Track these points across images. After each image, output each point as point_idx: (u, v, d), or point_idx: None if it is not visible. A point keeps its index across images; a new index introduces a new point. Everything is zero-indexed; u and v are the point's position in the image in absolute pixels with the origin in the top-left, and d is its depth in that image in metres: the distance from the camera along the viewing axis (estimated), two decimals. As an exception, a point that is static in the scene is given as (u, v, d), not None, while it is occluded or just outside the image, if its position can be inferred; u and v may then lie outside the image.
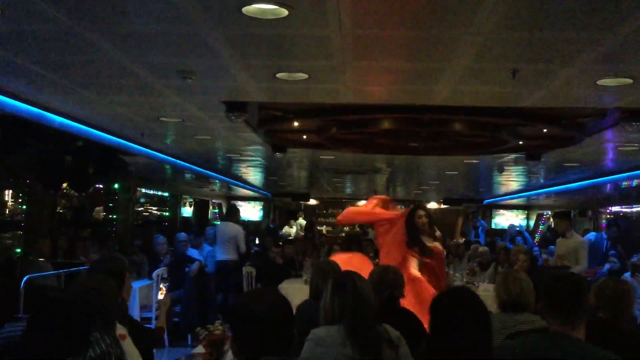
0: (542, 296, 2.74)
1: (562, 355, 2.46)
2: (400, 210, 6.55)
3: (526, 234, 11.53)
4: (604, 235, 9.94)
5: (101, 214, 11.39)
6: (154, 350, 4.29)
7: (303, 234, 15.88)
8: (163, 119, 6.30)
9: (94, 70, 4.45)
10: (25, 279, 6.07)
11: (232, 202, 17.02)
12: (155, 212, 14.44)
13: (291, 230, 19.39)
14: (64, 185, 8.10)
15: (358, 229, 17.84)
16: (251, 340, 1.99)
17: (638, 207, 12.50)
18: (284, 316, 2.03)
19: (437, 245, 5.90)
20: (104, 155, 7.54)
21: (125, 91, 5.15)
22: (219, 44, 3.71)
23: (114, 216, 11.49)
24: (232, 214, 10.67)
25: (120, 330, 3.26)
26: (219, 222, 17.87)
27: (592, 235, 10.20)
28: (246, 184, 15.43)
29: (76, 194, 10.14)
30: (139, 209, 13.34)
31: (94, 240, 9.57)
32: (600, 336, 2.72)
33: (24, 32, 3.63)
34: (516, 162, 9.24)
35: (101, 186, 10.90)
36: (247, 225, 17.26)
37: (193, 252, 9.49)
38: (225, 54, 3.92)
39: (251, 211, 20.45)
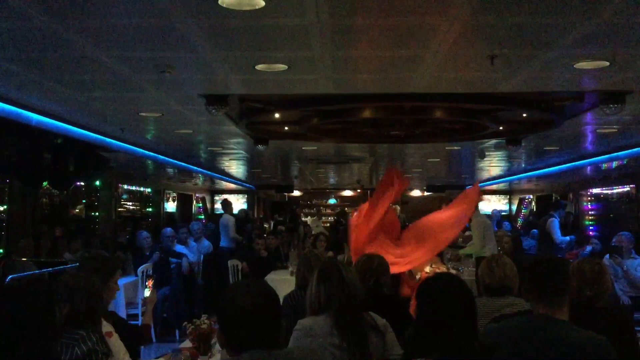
0: (525, 279, 2.77)
1: (546, 337, 2.49)
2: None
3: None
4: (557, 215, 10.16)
5: (76, 210, 11.30)
6: (142, 347, 4.30)
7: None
8: (142, 114, 6.25)
9: (71, 66, 4.40)
10: (8, 279, 6.01)
11: (225, 197, 17.13)
12: (138, 208, 14.31)
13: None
14: (44, 183, 8.01)
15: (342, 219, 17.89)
16: (238, 333, 1.98)
17: (618, 188, 12.65)
18: (270, 308, 2.02)
19: None
20: (84, 152, 7.47)
21: (103, 87, 5.09)
22: (196, 37, 3.68)
23: (96, 213, 11.38)
24: (226, 207, 12.84)
25: (107, 327, 3.25)
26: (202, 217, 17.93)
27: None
28: (229, 177, 15.38)
29: (57, 192, 10.04)
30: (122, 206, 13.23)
31: (80, 237, 9.50)
32: (583, 316, 2.77)
33: (-3, 30, 3.58)
34: (497, 148, 9.30)
35: (82, 183, 10.79)
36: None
37: (180, 248, 9.48)
38: (203, 47, 3.90)
39: (235, 204, 20.36)
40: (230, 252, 10.84)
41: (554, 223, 9.90)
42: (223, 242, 11.82)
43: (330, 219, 21.30)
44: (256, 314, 1.97)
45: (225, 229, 11.78)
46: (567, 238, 9.95)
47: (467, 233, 9.53)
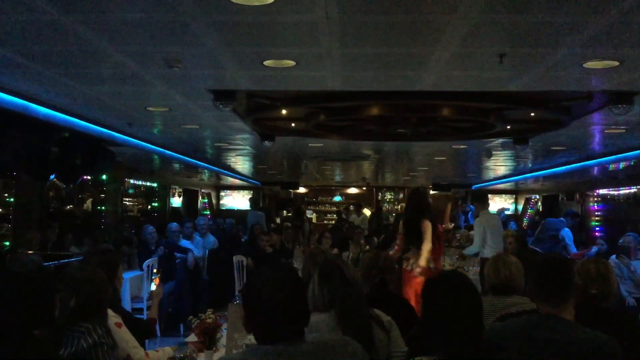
0: (530, 279, 2.77)
1: (551, 336, 2.49)
2: None
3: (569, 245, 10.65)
4: (563, 220, 10.08)
5: (78, 205, 11.34)
6: (147, 341, 4.31)
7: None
8: (150, 108, 6.26)
9: (79, 60, 4.41)
10: (14, 272, 6.03)
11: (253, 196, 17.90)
12: (137, 203, 14.32)
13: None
14: (51, 177, 8.03)
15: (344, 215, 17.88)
16: (263, 323, 1.97)
17: (625, 189, 12.59)
18: (298, 298, 1.99)
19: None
20: (91, 146, 7.48)
21: (110, 81, 5.10)
22: (205, 31, 3.69)
23: (102, 207, 11.41)
24: (255, 204, 15.89)
25: (116, 318, 3.26)
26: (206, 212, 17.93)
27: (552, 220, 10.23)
28: (235, 173, 15.40)
29: (64, 185, 10.07)
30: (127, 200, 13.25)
31: (86, 231, 9.54)
32: (589, 316, 2.76)
33: (7, 23, 3.58)
34: (504, 147, 9.27)
35: (89, 178, 10.82)
36: (236, 214, 17.31)
37: (185, 243, 9.50)
38: (212, 42, 3.90)
39: (241, 200, 20.42)
40: None
41: (570, 236, 9.82)
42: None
43: (335, 216, 21.29)
44: (282, 305, 1.94)
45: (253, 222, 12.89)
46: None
47: (471, 232, 9.52)
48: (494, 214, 8.59)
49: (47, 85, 5.20)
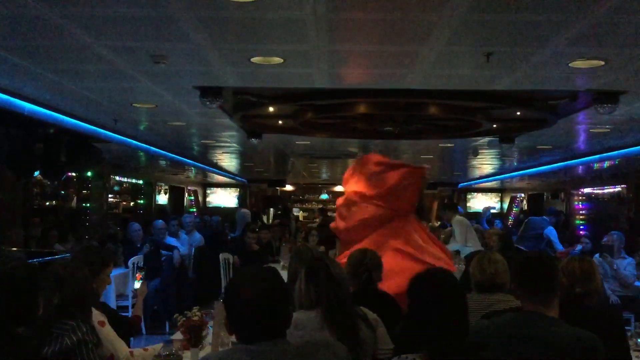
0: (515, 276, 2.78)
1: (536, 334, 2.50)
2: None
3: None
4: (547, 219, 10.16)
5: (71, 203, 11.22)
6: (132, 339, 4.29)
7: None
8: (136, 104, 6.22)
9: (64, 55, 4.37)
10: None
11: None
12: (129, 200, 14.24)
13: None
14: (36, 173, 7.95)
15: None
16: (244, 323, 1.97)
17: (609, 188, 12.71)
18: (277, 298, 1.98)
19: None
20: (76, 143, 7.42)
21: (96, 76, 5.06)
22: (192, 27, 3.66)
23: (87, 204, 11.31)
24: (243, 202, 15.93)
25: (99, 317, 3.24)
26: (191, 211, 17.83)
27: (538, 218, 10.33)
28: (222, 170, 15.34)
29: (48, 182, 9.98)
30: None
31: (70, 229, 9.46)
32: (574, 314, 2.78)
33: (-10, 16, 3.54)
34: (490, 145, 9.32)
35: (74, 174, 10.72)
36: (224, 212, 17.27)
37: (171, 240, 9.45)
38: (199, 38, 3.88)
39: (227, 197, 20.37)
40: None
41: (555, 234, 9.89)
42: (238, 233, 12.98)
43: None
44: (261, 305, 1.94)
45: (243, 220, 12.77)
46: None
47: (447, 229, 9.60)
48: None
49: (32, 80, 5.15)
